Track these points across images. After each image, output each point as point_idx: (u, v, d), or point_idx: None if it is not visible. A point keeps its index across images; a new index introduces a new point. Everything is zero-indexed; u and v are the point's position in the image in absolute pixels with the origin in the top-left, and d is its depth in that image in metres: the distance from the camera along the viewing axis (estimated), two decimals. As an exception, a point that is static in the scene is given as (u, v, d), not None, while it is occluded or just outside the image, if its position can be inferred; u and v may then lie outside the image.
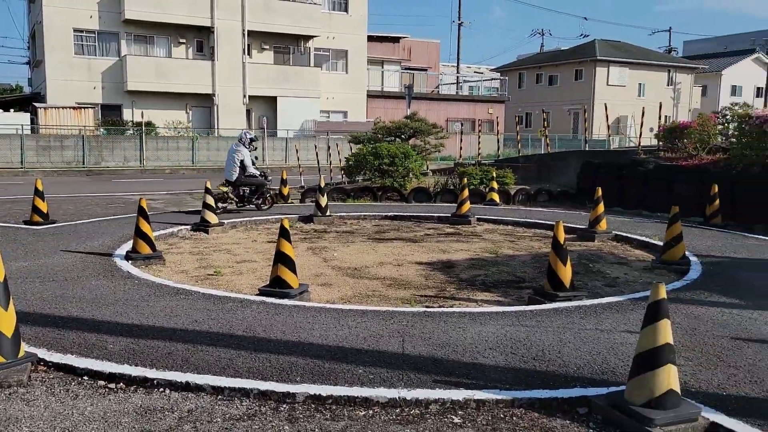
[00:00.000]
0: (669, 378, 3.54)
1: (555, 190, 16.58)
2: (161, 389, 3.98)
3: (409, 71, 42.18)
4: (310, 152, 26.75)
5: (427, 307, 6.20)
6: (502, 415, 3.73)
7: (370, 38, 38.89)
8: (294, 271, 6.28)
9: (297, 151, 21.04)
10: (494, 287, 7.23)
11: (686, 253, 8.23)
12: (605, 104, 23.17)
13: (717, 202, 11.47)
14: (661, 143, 16.43)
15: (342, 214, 12.91)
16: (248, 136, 13.42)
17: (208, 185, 11.09)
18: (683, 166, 13.85)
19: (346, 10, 36.51)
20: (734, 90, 53.39)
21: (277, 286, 6.23)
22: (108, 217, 11.93)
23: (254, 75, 33.22)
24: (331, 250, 9.38)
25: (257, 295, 6.28)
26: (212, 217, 10.92)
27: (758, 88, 53.56)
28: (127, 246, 8.46)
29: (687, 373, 4.29)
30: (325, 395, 3.82)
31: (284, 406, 3.79)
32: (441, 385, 4.00)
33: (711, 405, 3.77)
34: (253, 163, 13.34)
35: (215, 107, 32.73)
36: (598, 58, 45.03)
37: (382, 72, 41.06)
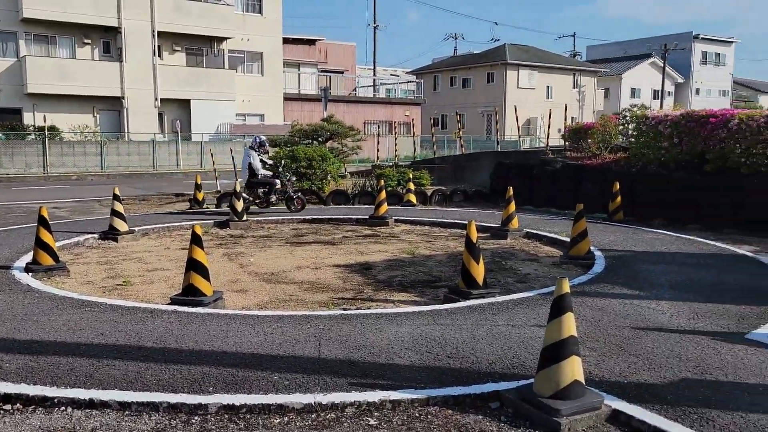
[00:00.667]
0: (573, 369, 3.68)
1: (470, 190, 16.99)
2: (62, 408, 3.78)
3: (325, 74, 42.06)
4: (226, 156, 26.06)
5: (344, 309, 6.19)
6: (417, 414, 3.78)
7: (286, 40, 38.50)
8: (207, 278, 6.13)
9: (212, 155, 20.59)
10: (411, 287, 7.31)
11: (591, 248, 8.64)
12: (515, 106, 23.96)
13: (619, 199, 12.09)
14: (567, 143, 17.17)
15: (259, 218, 12.72)
16: (257, 141, 13.72)
17: (117, 191, 10.65)
18: (588, 165, 14.52)
19: (260, 11, 36.00)
20: (634, 92, 56.50)
21: (189, 295, 6.06)
22: (6, 227, 11.22)
23: (166, 77, 32.18)
24: (248, 256, 9.22)
25: (169, 304, 6.09)
26: (121, 225, 10.49)
27: (655, 91, 56.95)
28: (27, 257, 7.99)
29: (591, 363, 4.49)
30: (238, 405, 3.75)
31: (196, 418, 3.68)
32: (357, 388, 4.01)
33: (613, 393, 3.96)
34: (277, 166, 13.93)
35: (125, 110, 31.44)
36: (509, 61, 46.50)
37: (299, 74, 40.75)
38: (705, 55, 61.58)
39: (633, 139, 14.61)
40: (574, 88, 49.83)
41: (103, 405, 3.76)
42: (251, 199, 13.40)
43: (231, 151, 19.85)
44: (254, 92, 35.39)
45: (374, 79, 48.77)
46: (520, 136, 23.84)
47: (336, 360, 4.51)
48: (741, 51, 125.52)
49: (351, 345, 4.83)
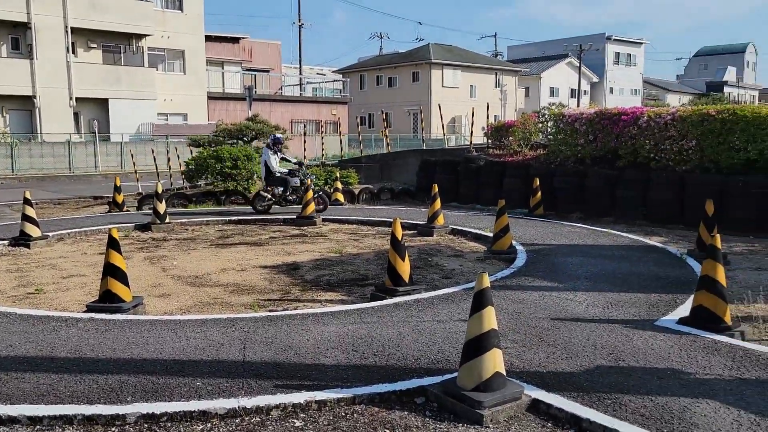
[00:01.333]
0: (495, 361, 3.78)
1: (397, 188, 17.13)
2: (-33, 426, 3.57)
3: (251, 72, 41.40)
4: (147, 157, 25.24)
5: (270, 311, 6.13)
6: (343, 414, 3.78)
7: (209, 38, 37.64)
8: (126, 283, 5.93)
9: (132, 156, 19.89)
10: (339, 286, 7.31)
11: (513, 242, 8.90)
12: (439, 105, 24.33)
13: (539, 194, 12.49)
14: (490, 141, 17.57)
15: (183, 220, 12.40)
16: (272, 139, 13.56)
17: (28, 195, 10.13)
18: (510, 162, 14.92)
19: (180, 8, 35.02)
20: (552, 91, 58.47)
21: (107, 301, 5.85)
22: None
23: (82, 75, 30.77)
24: (171, 259, 8.97)
25: (85, 311, 5.85)
26: (34, 230, 9.98)
27: (572, 89, 59.17)
28: (-72, 268, 7.49)
29: (513, 354, 4.62)
30: (159, 413, 3.64)
31: (113, 429, 3.56)
32: (282, 390, 3.97)
33: (533, 383, 4.09)
34: (300, 164, 13.85)
35: (37, 110, 29.86)
36: (433, 61, 47.14)
37: (223, 73, 39.93)
38: (617, 55, 64.49)
39: (551, 137, 15.12)
40: (496, 87, 51.02)
41: (12, 421, 3.57)
42: (271, 197, 13.21)
43: (153, 151, 19.24)
44: (176, 91, 34.42)
45: (300, 78, 48.39)
46: (444, 135, 24.22)
47: (261, 362, 4.46)
48: (650, 52, 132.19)
49: (277, 347, 4.79)
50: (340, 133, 23.06)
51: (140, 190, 17.11)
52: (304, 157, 22.28)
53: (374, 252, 9.44)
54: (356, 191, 16.41)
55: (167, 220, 11.81)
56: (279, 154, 13.53)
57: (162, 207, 11.77)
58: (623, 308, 5.90)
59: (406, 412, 3.81)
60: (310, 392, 3.93)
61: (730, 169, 11.10)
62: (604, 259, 8.29)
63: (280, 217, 12.77)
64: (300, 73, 49.60)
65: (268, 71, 43.98)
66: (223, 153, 16.00)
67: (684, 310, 5.66)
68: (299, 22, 49.33)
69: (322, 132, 23.13)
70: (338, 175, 16.45)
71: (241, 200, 15.58)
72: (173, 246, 10.06)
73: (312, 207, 12.43)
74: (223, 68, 40.20)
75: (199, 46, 35.75)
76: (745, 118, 10.89)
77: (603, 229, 10.80)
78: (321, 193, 13.42)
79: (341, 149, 22.79)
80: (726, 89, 72.86)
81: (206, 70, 36.53)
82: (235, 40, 42.36)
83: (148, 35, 33.16)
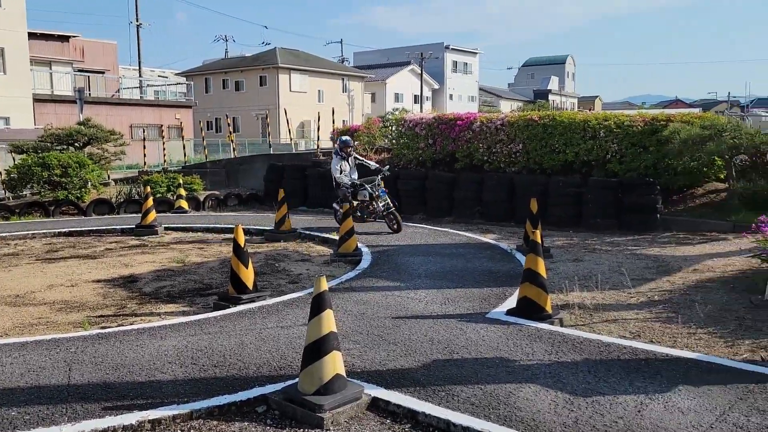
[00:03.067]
0: (334, 364, 3.83)
1: (245, 194, 16.82)
2: None
3: (83, 73, 38.46)
4: (-40, 165, 22.65)
5: (102, 328, 5.74)
6: (179, 431, 3.64)
7: (33, 36, 34.44)
8: (-73, 309, 5.27)
9: (-59, 165, 17.72)
10: (180, 297, 7.03)
11: (359, 245, 9.07)
12: (285, 110, 24.25)
13: (384, 197, 12.84)
14: (335, 146, 17.79)
15: (4, 234, 11.27)
16: (338, 143, 11.75)
17: None
18: (356, 166, 15.19)
19: (-3, 1, 31.71)
20: (397, 97, 60.36)
21: None
22: None
23: None
24: (-13, 278, 8.10)
25: None
26: None
27: (415, 96, 61.48)
28: None
29: (355, 355, 4.71)
30: (-36, 450, 3.28)
31: None
32: (111, 412, 3.74)
33: (374, 381, 4.20)
34: (378, 171, 11.53)
35: None
36: (280, 65, 46.78)
37: (51, 73, 36.74)
38: (455, 64, 68.02)
39: (395, 141, 15.63)
40: (343, 92, 51.69)
41: None
42: (340, 210, 11.16)
43: (-34, 160, 17.28)
44: (-5, 92, 31.11)
45: (140, 81, 45.79)
46: (293, 139, 24.15)
47: (89, 384, 4.17)
48: (484, 61, 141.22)
49: (107, 366, 4.50)
50: (183, 138, 22.19)
51: (-49, 203, 15.29)
52: (144, 164, 21.14)
53: (219, 260, 9.19)
54: (201, 198, 15.89)
55: (-17, 235, 10.67)
56: (350, 159, 11.55)
57: (-24, 221, 10.61)
58: (459, 303, 6.24)
59: (246, 423, 3.75)
60: (143, 411, 3.74)
61: (552, 170, 12.14)
62: (443, 257, 8.71)
63: (118, 227, 12.03)
64: (140, 75, 46.92)
65: (103, 72, 41.13)
66: (51, 160, 14.78)
67: (512, 301, 6.10)
68: (137, 21, 46.65)
69: (164, 137, 22.10)
70: (182, 181, 15.82)
71: (74, 210, 14.47)
72: (-10, 263, 9.10)
73: (153, 215, 11.83)
74: (51, 68, 37.01)
75: (21, 43, 32.54)
76: (562, 123, 11.98)
77: (443, 229, 11.35)
78: (393, 209, 11.13)
79: (185, 155, 21.92)
80: (550, 97, 79.56)
81: (31, 70, 33.38)
82: (64, 38, 39.21)
83: (-42, 30, 29.71)
